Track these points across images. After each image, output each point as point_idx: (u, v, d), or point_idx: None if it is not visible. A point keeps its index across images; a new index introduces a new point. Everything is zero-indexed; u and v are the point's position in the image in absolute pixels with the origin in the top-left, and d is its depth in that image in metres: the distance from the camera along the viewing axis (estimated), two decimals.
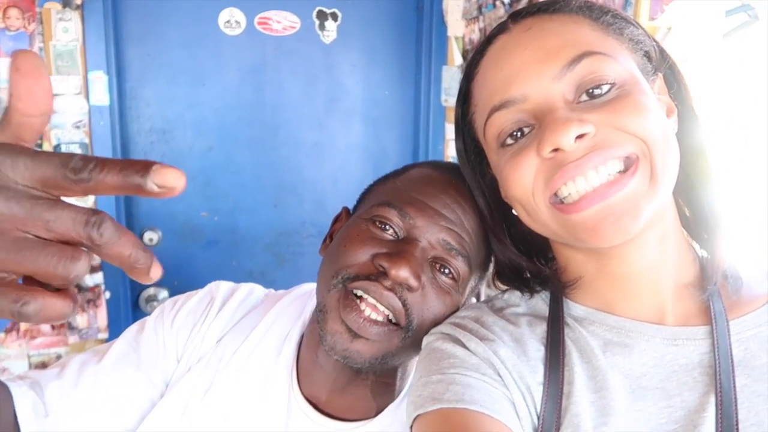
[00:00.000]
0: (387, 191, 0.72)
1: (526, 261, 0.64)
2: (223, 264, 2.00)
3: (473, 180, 0.67)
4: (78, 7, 1.65)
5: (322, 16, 1.95)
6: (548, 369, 0.55)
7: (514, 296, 0.65)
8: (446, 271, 0.67)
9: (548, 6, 0.57)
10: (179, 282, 1.96)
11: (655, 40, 0.60)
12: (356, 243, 0.67)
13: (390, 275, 0.63)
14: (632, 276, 0.57)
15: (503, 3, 1.75)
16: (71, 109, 1.68)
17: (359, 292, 0.65)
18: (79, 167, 0.29)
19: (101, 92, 1.71)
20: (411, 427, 0.54)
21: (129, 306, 1.89)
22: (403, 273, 0.62)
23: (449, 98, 2.04)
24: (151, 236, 1.89)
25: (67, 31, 1.64)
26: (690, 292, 0.58)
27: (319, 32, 1.96)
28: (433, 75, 2.02)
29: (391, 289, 0.63)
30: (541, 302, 0.63)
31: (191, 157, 1.91)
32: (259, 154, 1.97)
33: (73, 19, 1.65)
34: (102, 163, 0.29)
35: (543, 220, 0.56)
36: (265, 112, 1.95)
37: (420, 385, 0.55)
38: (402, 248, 0.65)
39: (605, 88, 0.52)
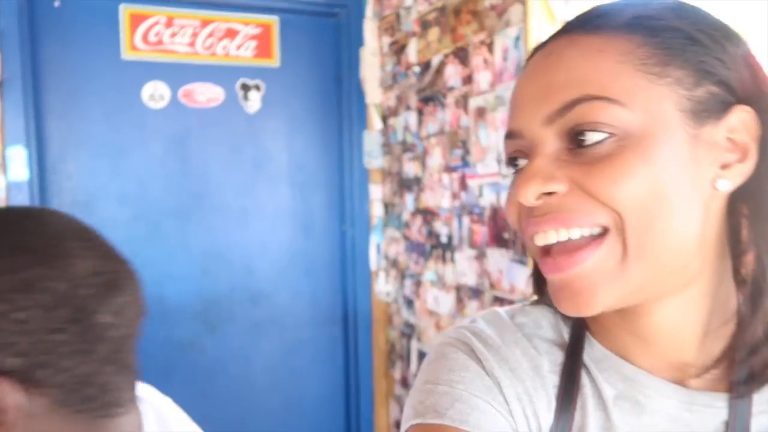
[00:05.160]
0: None
1: None
2: (151, 337, 1.95)
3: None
4: None
5: (245, 88, 2.03)
6: (559, 409, 0.51)
7: (541, 313, 0.58)
8: None
9: (590, 21, 0.49)
10: None
11: (752, 63, 0.48)
12: None
13: None
14: (651, 331, 0.51)
15: (414, 73, 1.90)
16: None
17: None
18: None
19: (20, 167, 1.69)
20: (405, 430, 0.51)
21: None
22: None
23: (371, 160, 2.14)
24: None
25: None
26: (719, 354, 0.51)
27: (243, 103, 2.03)
28: (354, 139, 2.13)
29: None
30: (564, 327, 0.56)
31: (116, 227, 1.90)
32: (186, 222, 1.98)
33: None
34: None
35: (534, 257, 0.53)
36: (190, 181, 1.98)
37: (424, 392, 0.52)
38: None
39: (597, 137, 0.45)
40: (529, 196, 0.46)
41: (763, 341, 0.50)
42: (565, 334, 0.56)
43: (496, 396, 0.51)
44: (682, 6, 0.49)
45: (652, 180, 0.44)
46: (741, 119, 0.46)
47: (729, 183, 0.46)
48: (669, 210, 0.45)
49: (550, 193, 0.46)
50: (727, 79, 0.46)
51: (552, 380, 0.52)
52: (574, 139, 0.46)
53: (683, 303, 0.50)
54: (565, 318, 0.56)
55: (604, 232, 0.45)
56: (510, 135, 0.51)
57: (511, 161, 0.52)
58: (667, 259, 0.46)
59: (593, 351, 0.54)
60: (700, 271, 0.49)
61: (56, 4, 1.80)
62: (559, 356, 0.54)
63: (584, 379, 0.53)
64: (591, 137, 0.45)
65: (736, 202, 0.48)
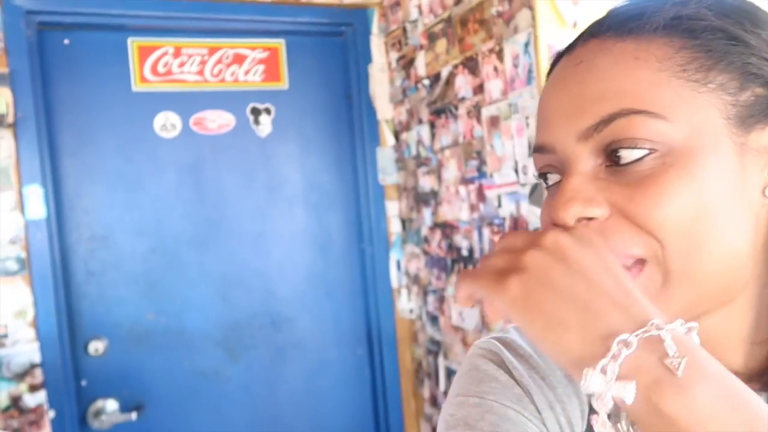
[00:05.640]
0: None
1: None
2: (174, 366, 1.94)
3: None
4: (10, 125, 1.66)
5: (256, 112, 2.03)
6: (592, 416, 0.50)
7: None
8: None
9: (623, 24, 0.45)
10: (129, 391, 1.89)
11: None
12: None
13: None
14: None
15: (424, 86, 1.88)
16: (6, 225, 1.66)
17: None
18: None
19: (37, 206, 1.70)
20: None
21: (76, 423, 1.79)
22: None
23: (386, 176, 2.12)
24: (97, 346, 1.83)
25: None
26: (763, 352, 0.49)
27: (254, 127, 2.03)
28: (368, 156, 2.11)
29: None
30: None
31: (134, 260, 1.90)
32: (203, 250, 1.97)
33: (6, 137, 1.66)
34: None
35: None
36: (205, 208, 1.98)
37: (455, 404, 0.51)
38: None
39: (637, 154, 0.42)
40: (569, 219, 0.43)
41: None
42: None
43: (527, 405, 0.50)
44: (722, 2, 0.45)
45: (698, 201, 0.41)
46: None
47: None
48: (716, 231, 0.42)
49: (590, 218, 0.43)
50: None
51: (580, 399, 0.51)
52: (611, 156, 0.43)
53: (728, 314, 0.47)
54: None
55: (641, 262, 0.43)
56: (540, 149, 0.48)
57: (542, 175, 0.50)
58: (714, 281, 0.43)
59: None
60: (748, 282, 0.46)
61: (66, 42, 1.81)
62: None
63: None
64: (630, 155, 0.42)
65: None
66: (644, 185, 0.41)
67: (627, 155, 0.42)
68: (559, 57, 0.49)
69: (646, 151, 0.41)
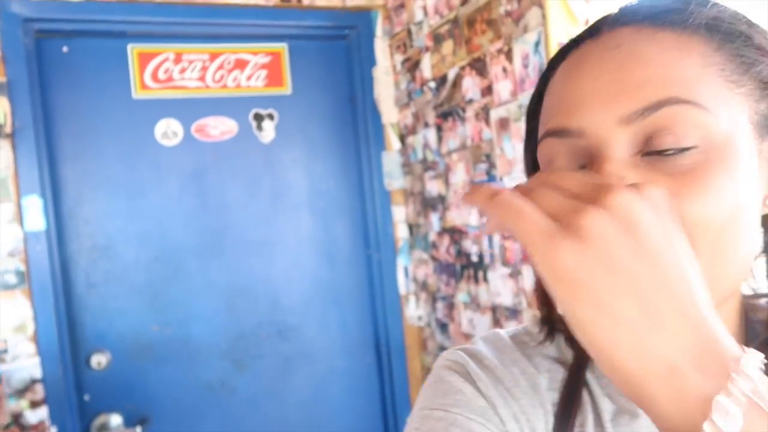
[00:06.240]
0: None
1: None
2: (179, 379, 1.90)
3: None
4: (8, 135, 1.63)
5: (258, 118, 1.99)
6: (557, 427, 0.50)
7: (544, 332, 0.57)
8: None
9: (663, 14, 0.44)
10: (133, 405, 1.85)
11: None
12: None
13: None
14: None
15: (430, 89, 1.84)
16: (5, 237, 1.62)
17: None
18: None
19: (36, 217, 1.66)
20: None
21: None
22: None
23: (392, 181, 2.08)
24: (99, 359, 1.79)
25: None
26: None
27: (257, 133, 1.99)
28: (373, 161, 2.07)
29: None
30: (568, 344, 0.55)
31: (137, 269, 1.86)
32: (207, 258, 1.93)
33: (4, 147, 1.62)
34: None
35: None
36: (209, 217, 1.94)
37: (420, 417, 0.51)
38: None
39: (683, 144, 0.41)
40: None
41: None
42: (568, 351, 0.54)
43: (491, 417, 0.49)
44: (746, 14, 0.45)
45: (735, 201, 0.40)
46: None
47: None
48: (741, 234, 0.41)
49: None
50: None
51: (551, 397, 0.51)
52: (652, 145, 0.41)
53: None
54: (567, 337, 0.53)
55: None
56: (560, 133, 0.44)
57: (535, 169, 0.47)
58: (725, 285, 0.43)
59: (595, 366, 0.52)
60: (734, 293, 0.47)
61: (64, 49, 1.78)
62: (560, 373, 0.52)
63: (585, 396, 0.51)
64: (676, 145, 0.40)
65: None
66: (690, 179, 0.40)
67: (673, 145, 0.40)
68: (579, 41, 0.47)
69: (693, 144, 0.40)
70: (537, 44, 1.35)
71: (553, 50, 1.31)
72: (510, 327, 0.61)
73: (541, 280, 0.52)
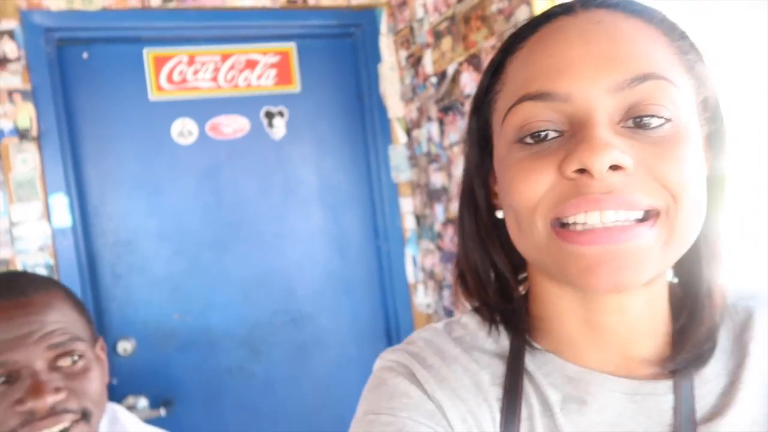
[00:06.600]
0: None
1: (510, 273, 0.56)
2: (199, 364, 2.01)
3: (478, 168, 0.56)
4: (35, 138, 1.74)
5: (269, 116, 2.08)
6: (504, 422, 0.50)
7: (477, 324, 0.57)
8: None
9: (630, 4, 0.48)
10: (157, 388, 1.97)
11: (716, 89, 0.50)
12: None
13: None
14: (611, 327, 0.51)
15: (432, 84, 1.89)
16: (34, 233, 1.75)
17: None
18: None
19: (63, 214, 1.78)
20: None
21: None
22: None
23: (399, 174, 2.14)
24: (125, 346, 1.91)
25: (25, 161, 1.73)
26: (666, 340, 0.52)
27: (269, 130, 2.08)
28: (380, 154, 2.13)
29: None
30: (504, 334, 0.55)
31: (158, 263, 1.97)
32: (224, 252, 2.03)
33: (31, 150, 1.74)
34: None
35: (535, 240, 0.47)
36: (224, 212, 2.03)
37: (366, 423, 0.50)
38: None
39: (658, 121, 0.44)
40: (605, 163, 0.42)
41: (698, 320, 0.51)
42: (505, 342, 0.54)
43: (439, 421, 0.49)
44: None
45: (700, 171, 0.46)
46: (702, 143, 0.49)
47: None
48: (703, 203, 0.47)
49: (615, 168, 0.43)
50: (708, 95, 0.50)
51: (495, 393, 0.51)
52: (633, 118, 0.45)
53: (651, 298, 0.51)
54: (505, 325, 0.55)
55: (656, 214, 0.45)
56: (544, 96, 0.45)
57: (534, 134, 0.46)
58: (686, 248, 0.48)
59: (535, 356, 0.53)
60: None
61: (84, 56, 1.89)
62: (500, 367, 0.53)
63: (528, 388, 0.51)
64: (656, 118, 0.44)
65: None
66: (668, 147, 0.44)
67: (655, 113, 0.44)
68: (544, 20, 0.49)
69: (664, 120, 0.45)
70: None
71: None
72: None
73: (468, 269, 0.57)
